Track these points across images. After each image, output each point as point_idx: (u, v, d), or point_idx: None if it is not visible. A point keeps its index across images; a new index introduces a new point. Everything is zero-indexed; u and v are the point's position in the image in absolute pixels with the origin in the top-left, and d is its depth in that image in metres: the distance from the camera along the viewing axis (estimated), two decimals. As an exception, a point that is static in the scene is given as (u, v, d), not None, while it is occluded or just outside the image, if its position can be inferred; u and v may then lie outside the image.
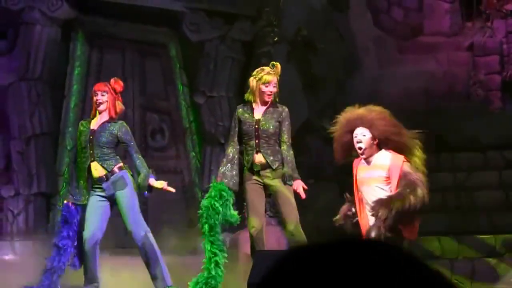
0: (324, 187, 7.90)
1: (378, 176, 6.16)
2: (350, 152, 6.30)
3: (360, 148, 6.17)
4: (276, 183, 6.69)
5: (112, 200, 6.73)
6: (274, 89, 6.74)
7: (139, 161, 6.75)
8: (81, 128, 6.86)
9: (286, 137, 6.72)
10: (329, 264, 1.32)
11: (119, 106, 6.80)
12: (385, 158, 6.17)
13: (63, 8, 9.67)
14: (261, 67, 6.91)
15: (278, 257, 1.37)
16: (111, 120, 6.76)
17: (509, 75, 11.78)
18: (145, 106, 10.38)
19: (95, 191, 6.73)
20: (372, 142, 6.17)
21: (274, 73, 6.76)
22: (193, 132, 10.49)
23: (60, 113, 9.79)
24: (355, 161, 6.30)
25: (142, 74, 10.38)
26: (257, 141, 6.68)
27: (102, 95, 6.72)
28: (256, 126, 6.71)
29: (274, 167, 6.65)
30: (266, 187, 6.75)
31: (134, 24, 10.24)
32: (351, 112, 6.30)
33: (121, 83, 6.83)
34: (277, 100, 6.84)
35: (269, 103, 6.78)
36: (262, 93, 6.74)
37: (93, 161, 6.68)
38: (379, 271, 1.29)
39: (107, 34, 10.22)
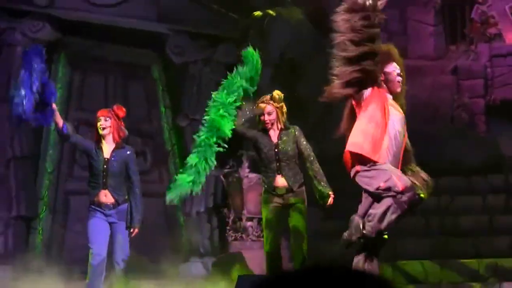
0: (311, 211, 7.84)
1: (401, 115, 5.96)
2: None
3: (399, 81, 5.97)
4: (296, 207, 6.60)
5: (110, 225, 6.73)
6: (270, 117, 6.70)
7: (138, 199, 6.80)
8: (94, 157, 6.82)
9: (307, 153, 6.63)
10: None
11: (123, 131, 6.91)
12: None
13: (45, 30, 9.63)
14: (264, 95, 6.85)
15: (259, 281, 1.36)
16: (119, 146, 6.84)
17: (493, 99, 11.80)
18: (128, 129, 10.29)
19: (96, 211, 6.72)
20: None
21: (266, 102, 6.71)
22: (176, 155, 10.42)
23: (40, 136, 9.69)
24: (381, 89, 5.96)
25: (125, 97, 10.32)
26: (277, 164, 6.62)
27: (106, 120, 6.82)
28: (276, 150, 6.65)
29: (294, 189, 6.59)
30: (286, 207, 6.65)
31: (117, 46, 10.20)
32: (386, 46, 6.14)
33: (124, 109, 6.96)
34: (285, 124, 6.76)
35: (280, 127, 6.72)
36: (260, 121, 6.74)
37: (105, 189, 6.73)
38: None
39: (90, 56, 10.17)
